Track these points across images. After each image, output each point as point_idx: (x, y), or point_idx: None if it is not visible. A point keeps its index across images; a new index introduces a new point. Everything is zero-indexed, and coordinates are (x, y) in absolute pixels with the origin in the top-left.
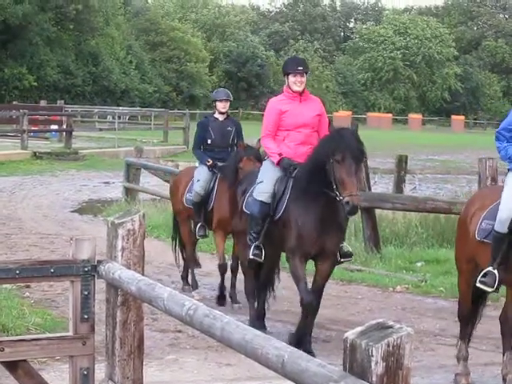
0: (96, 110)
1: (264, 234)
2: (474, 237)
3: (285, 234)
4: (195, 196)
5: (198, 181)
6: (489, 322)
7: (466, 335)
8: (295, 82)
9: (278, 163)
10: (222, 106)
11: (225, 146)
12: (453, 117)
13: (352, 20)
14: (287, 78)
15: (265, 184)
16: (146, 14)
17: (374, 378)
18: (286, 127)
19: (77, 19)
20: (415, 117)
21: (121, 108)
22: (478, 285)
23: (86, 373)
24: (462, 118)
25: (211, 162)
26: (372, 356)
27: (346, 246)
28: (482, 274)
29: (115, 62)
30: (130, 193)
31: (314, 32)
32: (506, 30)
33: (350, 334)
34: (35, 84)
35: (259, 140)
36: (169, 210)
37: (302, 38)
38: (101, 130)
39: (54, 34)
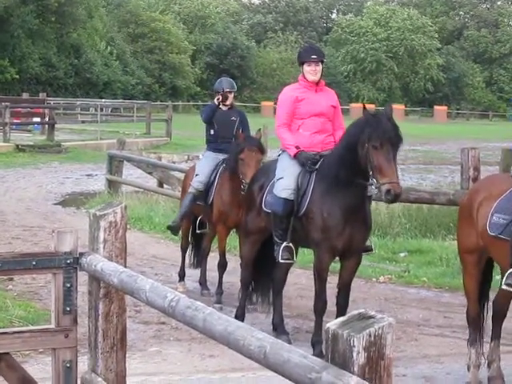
0: (78, 103)
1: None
2: (485, 230)
3: (308, 228)
4: (192, 189)
5: (197, 175)
6: None
7: (476, 340)
8: (310, 72)
9: (295, 156)
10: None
11: (228, 137)
12: (435, 107)
13: (334, 11)
14: (302, 68)
15: (286, 179)
16: (128, 5)
17: (355, 368)
18: (301, 116)
19: (59, 11)
20: (398, 107)
21: (103, 100)
22: (503, 287)
23: (68, 365)
24: (445, 108)
25: (220, 97)
26: (354, 346)
27: (370, 240)
28: (505, 276)
29: (97, 54)
30: (112, 185)
31: (298, 24)
32: (489, 20)
33: (332, 325)
34: (17, 77)
35: (259, 130)
36: (151, 202)
37: (284, 30)
38: (83, 122)
39: (36, 26)
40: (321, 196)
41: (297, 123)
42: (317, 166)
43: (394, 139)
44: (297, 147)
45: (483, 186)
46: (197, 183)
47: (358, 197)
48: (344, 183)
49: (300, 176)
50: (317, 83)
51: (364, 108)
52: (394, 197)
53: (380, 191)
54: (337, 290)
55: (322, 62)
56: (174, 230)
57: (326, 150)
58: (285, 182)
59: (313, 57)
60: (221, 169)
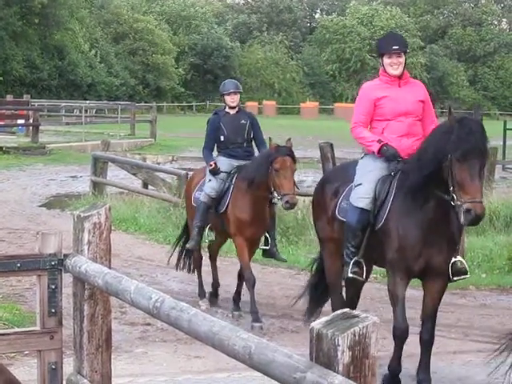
0: (63, 104)
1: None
2: None
3: (384, 246)
4: (204, 197)
5: (210, 181)
6: (457, 311)
7: None
8: (391, 64)
9: (379, 151)
10: (230, 100)
11: (240, 142)
12: None
13: (318, 11)
14: (382, 60)
15: (365, 187)
16: (110, 6)
17: (340, 367)
18: (384, 116)
19: (42, 13)
20: None
21: (87, 102)
22: None
23: (54, 367)
24: None
25: (214, 165)
26: (338, 345)
27: (462, 262)
28: None
29: (81, 55)
30: (97, 186)
31: (281, 24)
32: (473, 19)
33: (317, 324)
34: (1, 79)
35: (289, 139)
36: (136, 203)
37: (269, 30)
38: (67, 124)
39: (20, 28)
40: (399, 209)
41: (380, 125)
42: (399, 168)
43: (481, 151)
44: (379, 141)
45: None
46: (209, 189)
47: (440, 212)
48: (424, 195)
49: (379, 183)
50: (400, 76)
51: (449, 112)
52: (474, 218)
53: (458, 210)
54: (420, 321)
55: (405, 52)
56: (194, 249)
57: None
58: (363, 189)
59: (394, 47)
60: (235, 176)
